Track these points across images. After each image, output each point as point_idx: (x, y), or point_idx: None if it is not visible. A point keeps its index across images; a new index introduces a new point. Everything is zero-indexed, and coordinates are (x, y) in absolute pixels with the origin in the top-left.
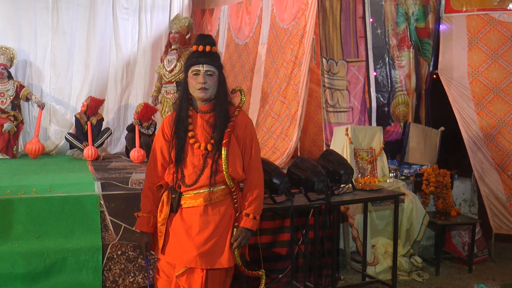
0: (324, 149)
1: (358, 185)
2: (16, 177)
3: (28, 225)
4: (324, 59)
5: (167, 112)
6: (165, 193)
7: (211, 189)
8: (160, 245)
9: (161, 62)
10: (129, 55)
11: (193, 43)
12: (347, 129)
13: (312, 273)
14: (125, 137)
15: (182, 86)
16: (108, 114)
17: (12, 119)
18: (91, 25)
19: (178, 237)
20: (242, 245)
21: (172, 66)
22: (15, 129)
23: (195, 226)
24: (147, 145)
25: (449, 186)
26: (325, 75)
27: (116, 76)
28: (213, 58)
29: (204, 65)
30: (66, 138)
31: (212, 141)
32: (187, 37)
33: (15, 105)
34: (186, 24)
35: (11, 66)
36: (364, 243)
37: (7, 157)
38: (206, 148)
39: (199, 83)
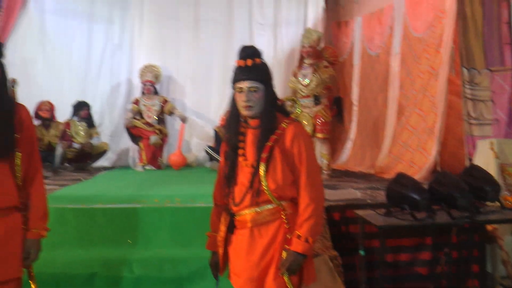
0: (467, 164)
1: (507, 203)
2: (162, 187)
3: (173, 233)
4: (464, 69)
5: (305, 126)
6: (223, 213)
7: (256, 209)
8: (221, 267)
9: (294, 77)
10: None
11: (237, 57)
12: (492, 143)
13: None
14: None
15: (231, 103)
16: None
17: (158, 132)
18: (229, 41)
19: (233, 260)
20: (291, 270)
21: (308, 80)
22: (160, 142)
23: (243, 250)
24: None
25: None
26: (467, 86)
27: None
28: (256, 72)
29: (246, 82)
30: (206, 150)
31: (256, 157)
32: (318, 49)
33: (160, 119)
34: (317, 38)
35: (156, 82)
36: None
37: (153, 168)
38: (253, 165)
39: (243, 101)
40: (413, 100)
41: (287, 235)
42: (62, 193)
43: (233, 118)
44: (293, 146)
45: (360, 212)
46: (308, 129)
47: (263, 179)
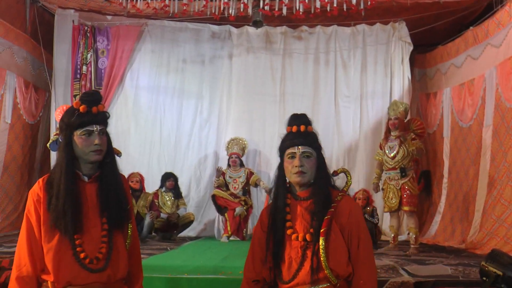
0: None
1: None
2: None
3: None
4: None
5: (392, 199)
6: None
7: (312, 287)
8: None
9: (380, 149)
10: (350, 141)
11: (286, 124)
12: None
13: None
14: None
15: (278, 171)
16: None
17: (243, 203)
18: (314, 114)
19: None
20: None
21: (394, 152)
22: (245, 213)
23: None
24: (370, 231)
25: None
26: None
27: (337, 162)
28: (309, 139)
29: (300, 147)
30: None
31: (311, 230)
32: (405, 121)
33: (246, 190)
34: (403, 109)
35: (243, 155)
36: None
37: (238, 239)
38: (304, 239)
39: (295, 166)
40: (506, 172)
41: None
42: (150, 262)
43: (280, 189)
44: (350, 220)
45: None
46: (394, 201)
47: (323, 255)
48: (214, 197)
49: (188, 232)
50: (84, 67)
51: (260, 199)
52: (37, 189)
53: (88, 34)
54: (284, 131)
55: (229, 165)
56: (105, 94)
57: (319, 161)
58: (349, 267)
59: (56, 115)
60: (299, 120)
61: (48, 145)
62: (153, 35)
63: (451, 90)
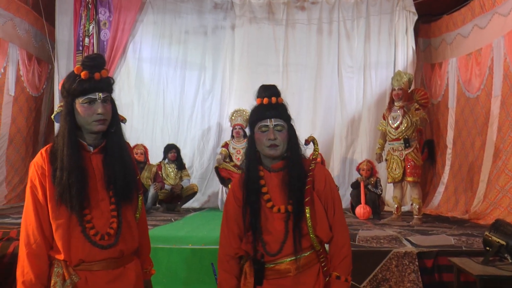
0: None
1: None
2: None
3: None
4: None
5: (395, 170)
6: (247, 264)
7: (298, 256)
8: None
9: (384, 119)
10: (354, 112)
11: (256, 96)
12: None
13: None
14: (350, 194)
15: (249, 144)
16: (334, 171)
17: None
18: (317, 85)
19: None
20: None
21: (398, 123)
22: None
23: None
24: (373, 202)
25: None
26: None
27: (341, 133)
28: (280, 111)
29: (272, 119)
30: None
31: (291, 201)
32: (409, 91)
33: None
34: (407, 80)
35: (246, 126)
36: None
37: None
38: (286, 210)
39: (269, 139)
40: (511, 143)
41: (326, 279)
42: (154, 233)
43: (252, 161)
44: (326, 187)
45: (455, 260)
46: (398, 172)
47: (310, 224)
48: (217, 169)
49: (192, 203)
50: (87, 39)
51: None
52: (40, 161)
53: (89, 5)
54: (286, 101)
55: (232, 136)
56: (108, 66)
57: (290, 132)
58: (330, 232)
59: (60, 88)
60: (269, 91)
61: (52, 117)
62: (155, 6)
63: (457, 60)
